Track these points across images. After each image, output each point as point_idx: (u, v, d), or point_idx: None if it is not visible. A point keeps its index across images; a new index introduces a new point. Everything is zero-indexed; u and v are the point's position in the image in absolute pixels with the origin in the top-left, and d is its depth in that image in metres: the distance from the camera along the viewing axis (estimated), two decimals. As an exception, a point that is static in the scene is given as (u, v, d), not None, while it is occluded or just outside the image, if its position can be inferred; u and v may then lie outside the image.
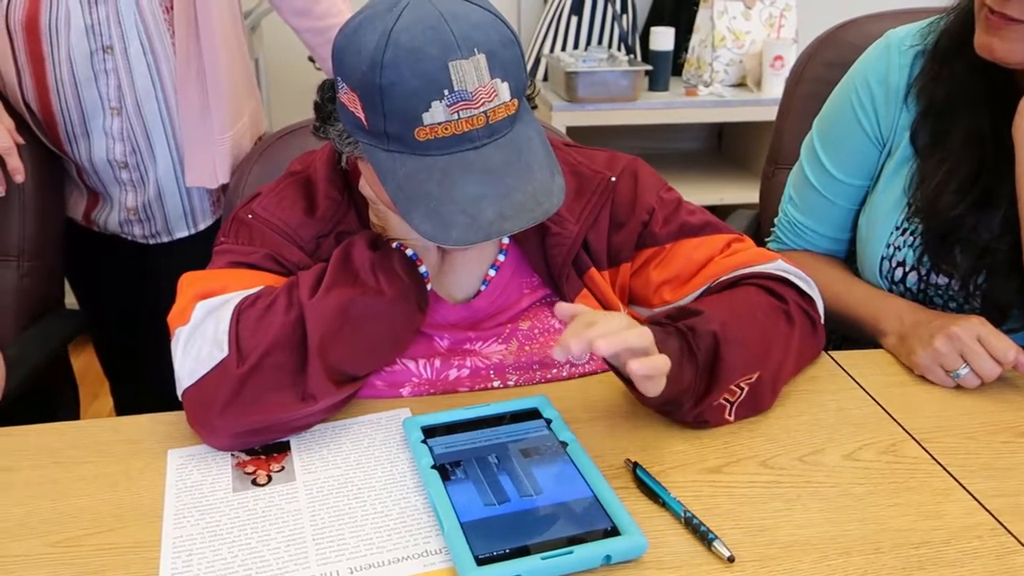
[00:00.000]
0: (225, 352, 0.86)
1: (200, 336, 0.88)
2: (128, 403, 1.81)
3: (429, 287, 0.95)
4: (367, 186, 0.94)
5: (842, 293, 1.17)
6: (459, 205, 0.81)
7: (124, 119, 1.39)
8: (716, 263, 1.01)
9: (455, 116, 0.80)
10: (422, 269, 0.94)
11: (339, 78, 0.85)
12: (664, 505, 0.80)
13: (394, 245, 0.94)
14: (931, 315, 1.06)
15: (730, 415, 0.91)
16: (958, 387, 0.99)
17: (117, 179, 1.44)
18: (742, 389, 0.90)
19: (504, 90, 0.82)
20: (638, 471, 0.83)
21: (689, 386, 0.86)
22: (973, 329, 0.98)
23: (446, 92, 0.79)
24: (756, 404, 0.93)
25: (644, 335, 0.80)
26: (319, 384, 0.86)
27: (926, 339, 1.01)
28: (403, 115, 0.80)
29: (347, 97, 0.84)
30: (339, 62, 0.84)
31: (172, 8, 1.34)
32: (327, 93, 0.91)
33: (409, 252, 0.94)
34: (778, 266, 1.01)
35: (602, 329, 0.77)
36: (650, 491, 0.81)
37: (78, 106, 1.38)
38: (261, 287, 0.92)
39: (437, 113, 0.80)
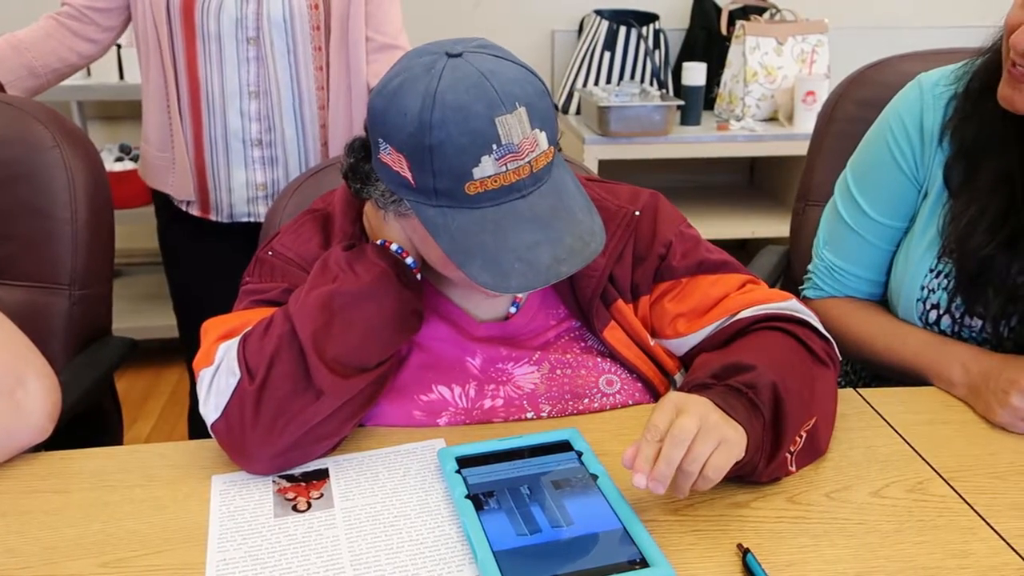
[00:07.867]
0: (238, 376, 0.90)
1: (219, 373, 0.92)
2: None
3: (419, 276, 0.97)
4: (383, 227, 0.97)
5: (895, 344, 1.16)
6: (515, 253, 0.84)
7: (261, 102, 1.54)
8: (731, 299, 1.02)
9: (503, 168, 0.83)
10: (408, 260, 0.96)
11: (380, 139, 0.86)
12: None
13: (378, 243, 0.97)
14: (996, 362, 1.05)
15: (792, 465, 0.90)
16: (987, 426, 1.00)
17: (247, 157, 1.58)
18: (802, 437, 0.90)
19: (543, 139, 0.85)
20: (748, 558, 0.79)
21: (759, 445, 0.85)
22: None
23: (494, 146, 0.82)
24: (814, 450, 0.93)
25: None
26: (323, 379, 0.89)
27: (1001, 396, 1.00)
28: (453, 172, 0.83)
29: (391, 158, 0.86)
30: (381, 123, 0.86)
31: (319, 8, 1.50)
32: (358, 153, 0.94)
33: (394, 247, 0.96)
34: (792, 306, 1.02)
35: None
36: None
37: (220, 85, 1.53)
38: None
39: (487, 167, 0.82)
